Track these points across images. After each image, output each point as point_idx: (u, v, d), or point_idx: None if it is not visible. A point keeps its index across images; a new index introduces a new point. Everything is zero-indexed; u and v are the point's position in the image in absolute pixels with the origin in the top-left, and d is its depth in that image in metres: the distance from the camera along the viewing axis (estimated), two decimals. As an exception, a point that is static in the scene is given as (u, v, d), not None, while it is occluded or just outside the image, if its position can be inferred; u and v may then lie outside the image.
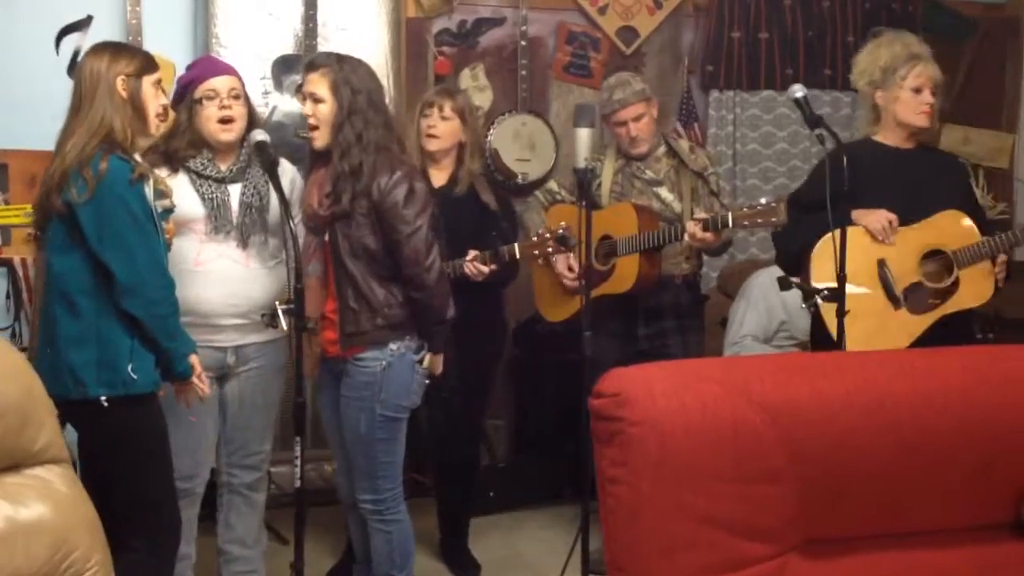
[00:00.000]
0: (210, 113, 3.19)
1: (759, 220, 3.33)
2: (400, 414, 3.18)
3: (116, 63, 2.83)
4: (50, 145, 4.17)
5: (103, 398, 2.76)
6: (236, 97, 3.22)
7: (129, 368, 2.78)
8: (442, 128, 3.74)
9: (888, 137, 3.52)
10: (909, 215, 3.39)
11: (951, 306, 3.35)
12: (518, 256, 3.62)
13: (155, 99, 2.91)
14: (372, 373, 3.11)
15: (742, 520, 2.00)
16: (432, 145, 3.76)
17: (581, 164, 2.95)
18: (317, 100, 3.10)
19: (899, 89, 3.45)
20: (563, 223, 3.54)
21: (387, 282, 3.09)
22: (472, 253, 3.62)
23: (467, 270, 3.61)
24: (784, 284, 3.22)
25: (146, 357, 2.82)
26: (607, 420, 2.04)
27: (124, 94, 2.83)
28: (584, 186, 2.98)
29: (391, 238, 3.04)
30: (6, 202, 4.43)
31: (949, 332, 3.28)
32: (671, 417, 1.99)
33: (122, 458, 2.83)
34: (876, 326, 3.32)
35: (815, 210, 3.24)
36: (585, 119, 2.94)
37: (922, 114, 3.44)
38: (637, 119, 3.80)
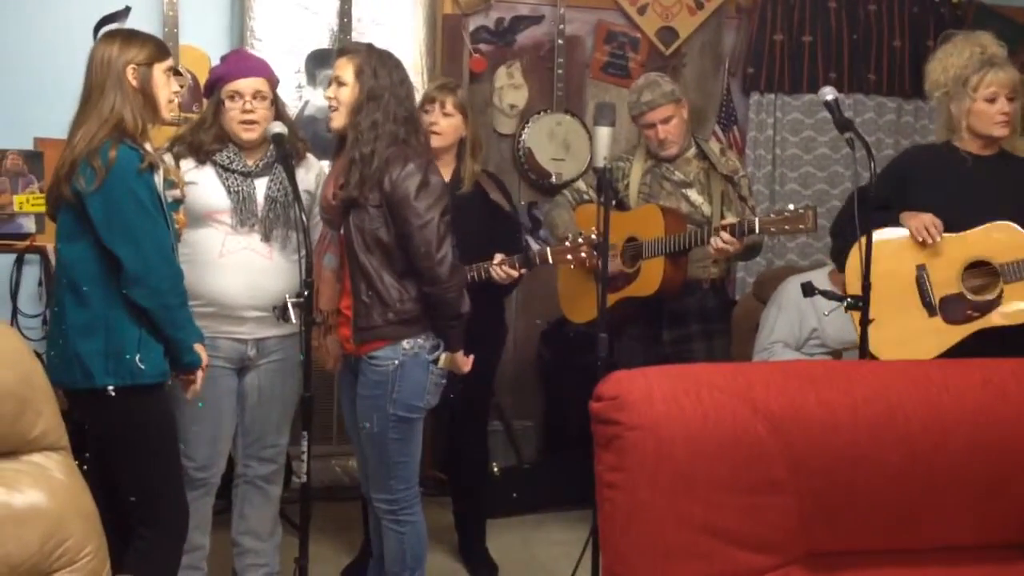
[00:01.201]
0: (233, 114, 3.21)
1: (786, 227, 3.26)
2: (413, 414, 3.14)
3: (126, 51, 2.83)
4: (86, 135, 4.32)
5: (110, 388, 2.76)
6: (262, 99, 3.22)
7: (137, 358, 2.77)
8: (444, 124, 3.69)
9: (967, 143, 3.39)
10: (975, 223, 3.26)
11: (991, 320, 3.20)
12: (551, 261, 3.57)
13: (166, 87, 2.90)
14: (384, 372, 3.08)
15: (741, 530, 1.96)
16: (434, 142, 3.70)
17: (601, 163, 2.90)
18: (341, 83, 3.09)
19: (972, 101, 3.32)
20: (594, 228, 3.49)
21: (401, 277, 3.06)
22: (499, 257, 3.56)
23: (495, 274, 3.55)
24: (808, 290, 3.15)
25: (154, 347, 2.81)
26: (605, 424, 2.00)
27: (134, 83, 2.82)
28: (604, 185, 2.93)
29: (402, 230, 3.01)
30: (41, 190, 4.47)
31: (989, 346, 3.07)
32: (670, 423, 1.95)
33: (128, 448, 2.84)
34: (907, 332, 3.22)
35: (878, 208, 3.15)
36: (605, 117, 2.89)
37: (999, 124, 3.31)
38: (666, 121, 3.74)
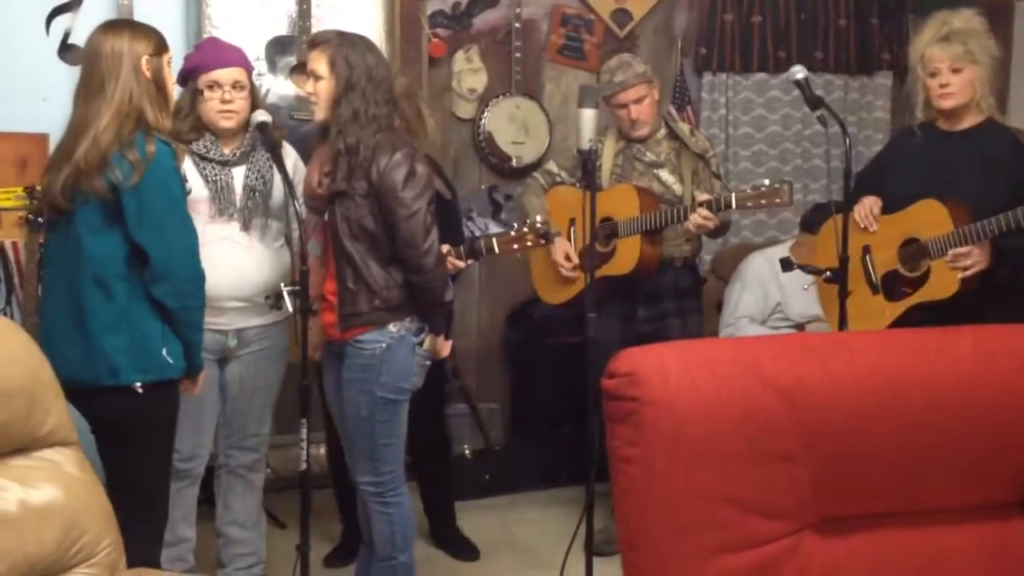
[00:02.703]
0: (212, 104, 3.19)
1: (763, 202, 3.33)
2: (400, 396, 3.16)
3: (137, 42, 2.78)
4: (40, 127, 4.23)
5: (138, 384, 2.73)
6: (240, 89, 3.21)
7: (164, 352, 2.76)
8: None
9: (941, 121, 3.47)
10: (940, 198, 3.32)
11: (921, 296, 3.32)
12: (496, 250, 3.56)
13: (171, 78, 2.90)
14: (372, 355, 3.09)
15: (756, 499, 2.00)
16: None
17: (585, 146, 2.93)
18: (317, 77, 3.09)
19: (922, 79, 3.43)
20: (539, 216, 3.51)
21: (386, 264, 3.07)
22: (444, 248, 3.55)
23: None
24: (786, 265, 3.23)
25: (176, 341, 2.81)
26: (621, 400, 2.03)
27: (148, 74, 2.78)
28: (588, 168, 2.96)
29: (388, 220, 3.02)
30: (-7, 184, 4.38)
31: (923, 322, 3.18)
32: (685, 397, 1.99)
33: (146, 443, 2.82)
34: (856, 310, 3.29)
35: (871, 189, 3.22)
36: (589, 100, 2.92)
37: (941, 96, 3.38)
38: (638, 101, 3.79)
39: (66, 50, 4.38)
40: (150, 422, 2.83)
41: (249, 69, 3.27)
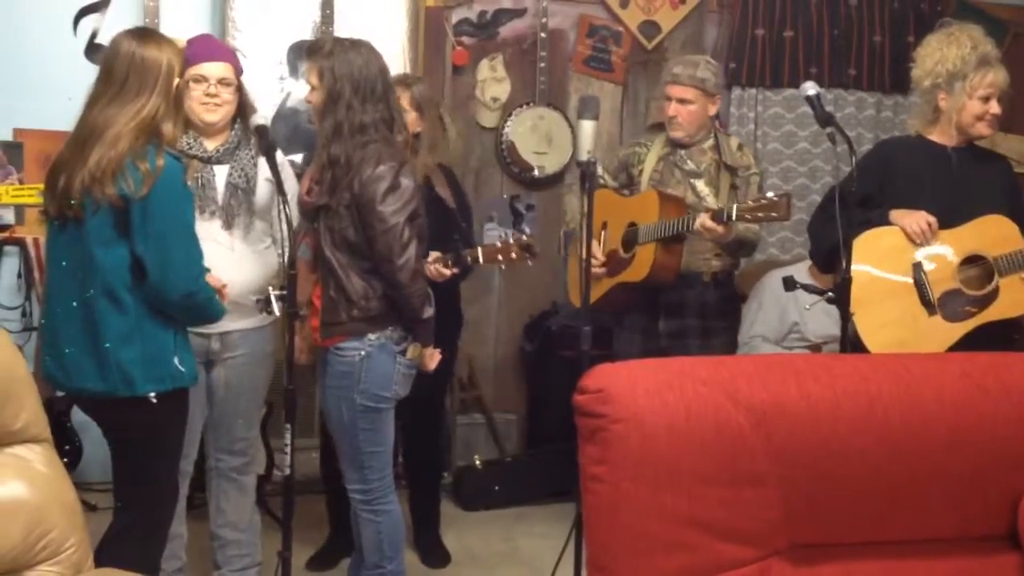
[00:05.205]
0: (196, 95, 3.16)
1: (760, 214, 3.24)
2: (382, 404, 3.14)
3: (174, 58, 2.77)
4: (65, 126, 4.24)
5: (152, 395, 2.73)
6: (227, 85, 3.19)
7: (176, 361, 2.76)
8: None
9: (941, 137, 3.37)
10: (954, 216, 3.24)
11: (989, 315, 3.18)
12: (481, 261, 3.53)
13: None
14: (350, 363, 3.08)
15: (724, 523, 1.96)
16: None
17: (584, 156, 2.89)
18: (312, 87, 3.10)
19: (966, 97, 3.29)
20: (527, 229, 3.46)
21: (367, 275, 3.06)
22: (433, 255, 3.51)
23: (428, 272, 3.48)
24: (789, 284, 3.16)
25: (188, 349, 2.81)
26: (589, 417, 2.00)
27: (173, 90, 2.77)
28: (588, 178, 2.92)
29: (367, 233, 3.01)
30: (20, 181, 4.45)
31: (988, 341, 3.09)
32: (654, 416, 1.95)
33: (156, 450, 2.82)
34: (909, 332, 3.19)
35: (854, 206, 3.13)
36: (589, 111, 2.89)
37: (987, 123, 3.30)
38: (682, 102, 3.70)
39: (93, 50, 4.43)
40: (162, 430, 2.83)
41: (238, 69, 3.25)
